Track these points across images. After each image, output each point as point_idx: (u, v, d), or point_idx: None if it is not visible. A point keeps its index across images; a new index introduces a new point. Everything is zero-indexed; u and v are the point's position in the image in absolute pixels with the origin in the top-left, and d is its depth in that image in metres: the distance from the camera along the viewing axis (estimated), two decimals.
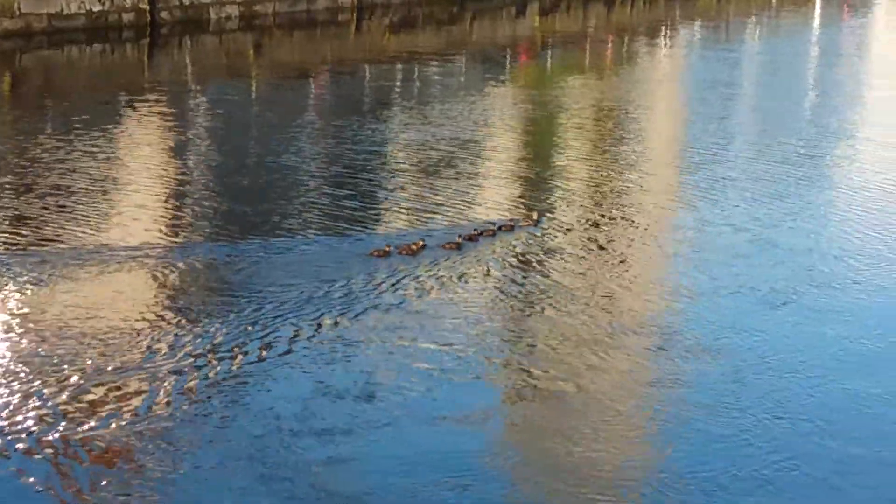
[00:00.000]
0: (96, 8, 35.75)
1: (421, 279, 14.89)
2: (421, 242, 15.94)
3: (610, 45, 40.76)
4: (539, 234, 17.04)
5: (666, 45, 41.46)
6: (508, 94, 29.95)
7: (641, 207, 19.06)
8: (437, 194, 19.29)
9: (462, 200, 18.97)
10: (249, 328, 13.22)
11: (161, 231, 16.98)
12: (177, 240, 16.62)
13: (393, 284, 14.64)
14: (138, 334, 13.01)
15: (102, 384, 11.72)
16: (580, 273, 15.71)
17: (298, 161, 21.42)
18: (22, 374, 11.86)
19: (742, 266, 16.05)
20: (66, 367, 12.08)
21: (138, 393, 11.59)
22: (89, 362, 12.22)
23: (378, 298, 14.20)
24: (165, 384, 11.79)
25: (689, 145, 23.80)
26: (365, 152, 22.14)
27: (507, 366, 12.74)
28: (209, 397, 11.60)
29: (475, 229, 16.72)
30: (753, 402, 11.84)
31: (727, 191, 19.98)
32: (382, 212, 18.36)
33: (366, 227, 17.39)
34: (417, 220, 17.75)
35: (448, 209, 18.36)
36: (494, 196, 19.49)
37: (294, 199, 18.85)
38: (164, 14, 37.57)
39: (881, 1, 57.10)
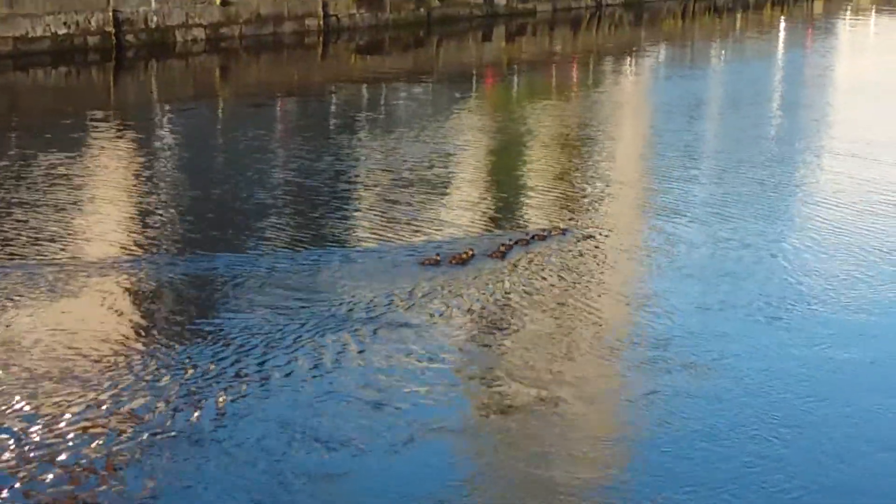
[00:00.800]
0: (62, 31, 35.54)
1: (469, 290, 15.20)
2: (471, 251, 16.17)
3: (576, 67, 40.74)
4: (570, 244, 17.41)
5: (632, 68, 41.46)
6: (480, 115, 29.85)
7: (646, 222, 19.16)
8: (452, 207, 19.70)
9: (479, 212, 19.50)
10: (299, 331, 13.60)
11: (174, 243, 17.19)
12: (200, 252, 16.76)
13: (442, 293, 15.00)
14: (149, 343, 13.24)
15: (103, 390, 11.85)
16: (602, 284, 15.95)
17: (302, 178, 21.49)
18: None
19: (740, 282, 16.03)
20: (77, 375, 12.18)
21: (140, 402, 11.71)
22: (90, 371, 12.35)
23: (412, 309, 14.46)
24: (168, 390, 11.99)
25: (676, 164, 23.76)
26: (363, 168, 22.44)
27: (502, 379, 12.72)
28: (217, 404, 11.76)
29: (510, 239, 17.08)
30: (733, 422, 11.75)
31: (726, 208, 19.96)
32: (404, 224, 18.47)
33: (395, 239, 17.57)
34: (441, 230, 18.09)
35: (473, 220, 18.85)
36: (506, 208, 20.07)
37: (311, 213, 19.04)
38: (129, 37, 37.36)
39: (846, 26, 57.41)
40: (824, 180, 22.70)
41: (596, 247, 17.47)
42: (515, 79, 38.44)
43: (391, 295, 14.73)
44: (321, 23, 43.26)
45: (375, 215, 18.87)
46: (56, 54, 35.01)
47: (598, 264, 16.70)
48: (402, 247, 16.94)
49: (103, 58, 36.01)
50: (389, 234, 17.70)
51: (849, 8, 64.44)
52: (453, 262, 15.89)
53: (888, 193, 21.12)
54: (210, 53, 38.67)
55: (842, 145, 26.02)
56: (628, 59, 43.28)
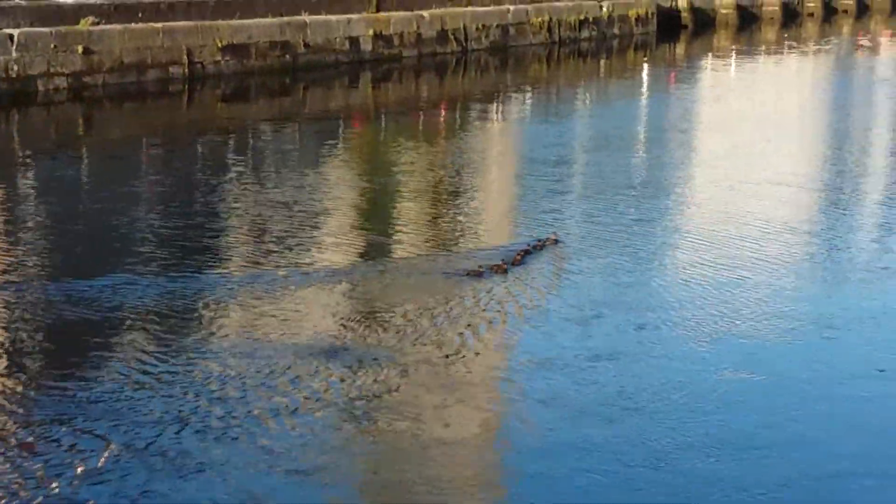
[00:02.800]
0: None
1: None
2: (504, 264, 17.46)
3: (443, 112, 40.84)
4: (564, 253, 18.80)
5: (498, 111, 41.63)
6: (356, 160, 29.75)
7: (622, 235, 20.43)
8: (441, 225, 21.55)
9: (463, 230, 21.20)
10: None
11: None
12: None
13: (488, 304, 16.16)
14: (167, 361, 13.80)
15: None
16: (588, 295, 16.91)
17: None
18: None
19: (699, 306, 16.67)
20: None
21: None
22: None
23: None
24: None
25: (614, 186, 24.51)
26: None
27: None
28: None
29: (518, 250, 18.32)
30: (640, 452, 11.75)
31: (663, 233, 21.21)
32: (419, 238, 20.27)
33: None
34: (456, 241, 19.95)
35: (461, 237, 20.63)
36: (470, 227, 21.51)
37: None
38: None
39: (707, 68, 58.30)
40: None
41: (593, 253, 19.06)
42: (383, 124, 38.39)
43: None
44: (186, 70, 42.83)
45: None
46: None
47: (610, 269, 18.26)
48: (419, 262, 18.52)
49: None
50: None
51: (710, 52, 65.58)
52: (495, 271, 17.25)
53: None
54: (73, 102, 38.09)
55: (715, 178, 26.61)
56: (494, 103, 43.41)
